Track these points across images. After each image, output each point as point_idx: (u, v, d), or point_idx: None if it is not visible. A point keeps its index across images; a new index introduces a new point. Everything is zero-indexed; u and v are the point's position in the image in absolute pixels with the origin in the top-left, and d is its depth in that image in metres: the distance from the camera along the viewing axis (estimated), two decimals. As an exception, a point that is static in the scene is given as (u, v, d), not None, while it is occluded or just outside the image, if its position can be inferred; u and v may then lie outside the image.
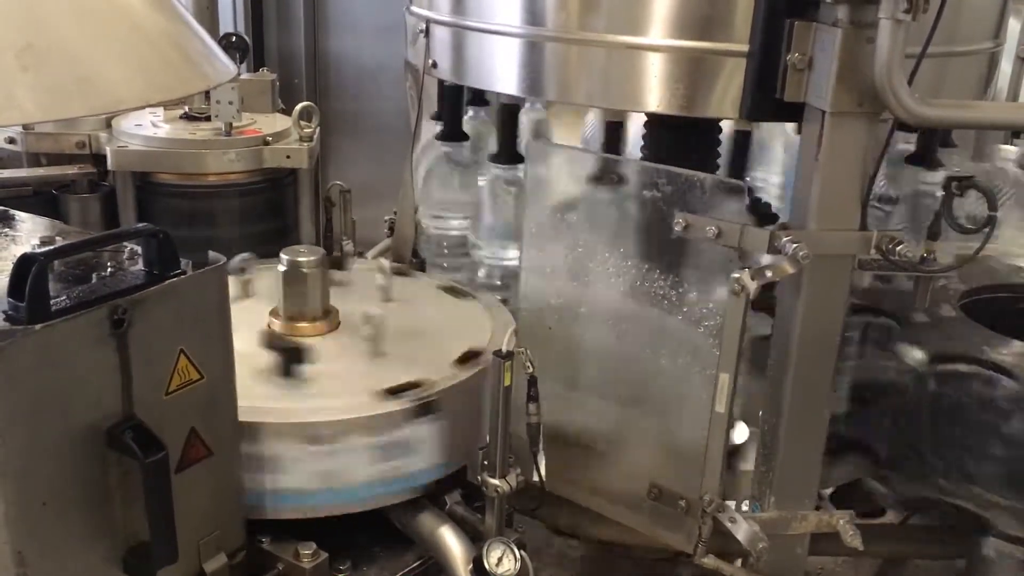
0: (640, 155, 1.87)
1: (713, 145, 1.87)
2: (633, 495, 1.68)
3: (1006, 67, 2.83)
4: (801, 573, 1.67)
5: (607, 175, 1.62)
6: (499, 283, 2.08)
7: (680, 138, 1.81)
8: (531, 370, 1.42)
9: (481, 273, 2.11)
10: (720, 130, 1.88)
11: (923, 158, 1.95)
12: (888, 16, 1.29)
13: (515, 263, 2.07)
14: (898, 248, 1.46)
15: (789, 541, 1.62)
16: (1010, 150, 2.03)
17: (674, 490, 1.62)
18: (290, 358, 1.54)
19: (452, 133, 2.11)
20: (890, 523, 1.94)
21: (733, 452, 1.72)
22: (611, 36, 1.61)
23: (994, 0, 1.76)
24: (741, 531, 1.53)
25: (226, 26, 3.49)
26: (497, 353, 1.37)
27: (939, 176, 1.86)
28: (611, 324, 1.66)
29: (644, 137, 1.87)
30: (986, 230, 1.48)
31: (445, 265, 2.16)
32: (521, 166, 2.07)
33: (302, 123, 2.20)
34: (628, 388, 1.67)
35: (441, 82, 2.01)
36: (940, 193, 1.70)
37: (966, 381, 1.59)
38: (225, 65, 1.20)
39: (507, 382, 1.37)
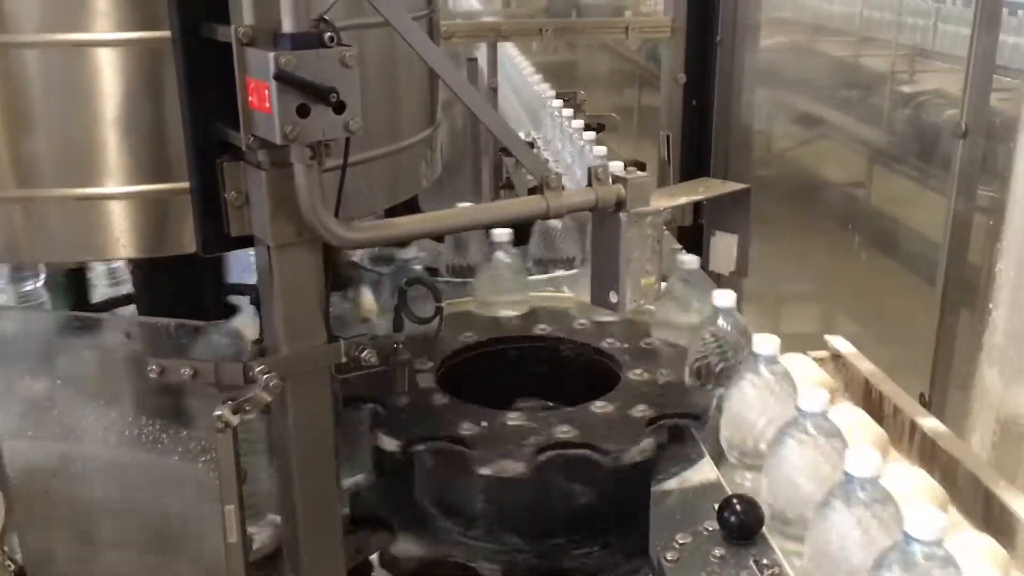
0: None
1: (205, 280, 1.88)
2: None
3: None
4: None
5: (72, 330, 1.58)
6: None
7: (171, 278, 1.79)
8: (13, 568, 1.35)
9: None
10: (217, 264, 1.89)
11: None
12: (299, 162, 1.39)
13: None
14: (363, 354, 1.59)
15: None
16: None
17: (211, 622, 1.64)
18: None
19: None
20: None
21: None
22: (57, 191, 1.54)
23: (424, 96, 1.96)
24: (276, 644, 1.60)
25: None
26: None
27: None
28: (111, 475, 1.63)
29: (134, 284, 1.84)
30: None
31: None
32: None
33: None
34: (144, 534, 1.66)
35: None
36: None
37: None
38: None
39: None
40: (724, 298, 1.89)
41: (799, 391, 1.54)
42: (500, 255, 2.24)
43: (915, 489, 1.55)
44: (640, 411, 1.82)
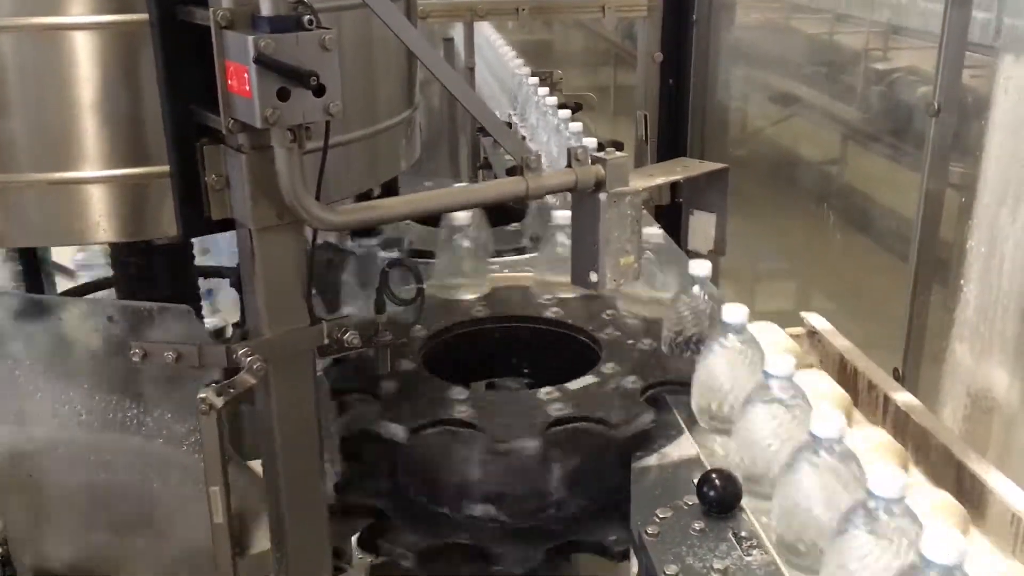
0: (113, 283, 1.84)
1: (183, 263, 1.88)
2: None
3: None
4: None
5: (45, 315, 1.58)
6: None
7: (148, 262, 1.79)
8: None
9: None
10: (189, 248, 1.89)
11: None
12: (280, 145, 1.39)
13: None
14: (346, 336, 1.60)
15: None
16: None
17: (195, 603, 1.65)
18: None
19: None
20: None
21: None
22: (36, 175, 1.53)
23: (402, 77, 1.96)
24: (263, 625, 1.62)
25: None
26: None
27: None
28: (93, 459, 1.63)
29: (112, 266, 1.83)
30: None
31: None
32: None
33: None
34: (133, 517, 1.66)
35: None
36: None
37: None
38: None
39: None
40: (700, 268, 1.95)
41: (766, 357, 1.59)
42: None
43: (877, 447, 1.62)
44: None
